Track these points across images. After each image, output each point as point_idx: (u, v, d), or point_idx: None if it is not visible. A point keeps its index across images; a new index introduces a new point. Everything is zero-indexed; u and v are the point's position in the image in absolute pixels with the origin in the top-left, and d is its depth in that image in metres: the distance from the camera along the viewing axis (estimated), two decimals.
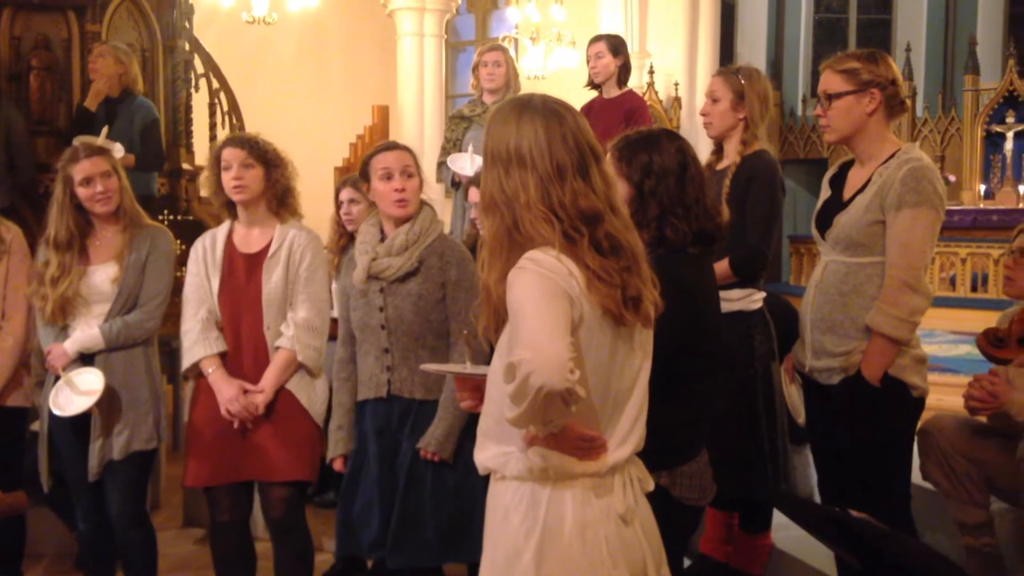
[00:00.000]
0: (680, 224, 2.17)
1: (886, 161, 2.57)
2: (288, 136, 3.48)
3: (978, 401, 2.65)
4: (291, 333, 2.95)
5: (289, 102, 10.42)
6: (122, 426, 3.07)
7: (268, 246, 3.02)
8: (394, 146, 2.91)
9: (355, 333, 2.87)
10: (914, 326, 2.52)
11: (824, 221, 2.67)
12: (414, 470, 2.69)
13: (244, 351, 3.00)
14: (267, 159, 3.00)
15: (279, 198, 3.04)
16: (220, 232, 3.09)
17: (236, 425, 2.93)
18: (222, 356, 2.99)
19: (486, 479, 2.50)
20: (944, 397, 2.79)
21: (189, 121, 6.00)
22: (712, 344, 2.29)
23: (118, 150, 4.24)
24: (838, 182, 2.72)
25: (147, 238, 3.16)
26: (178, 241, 4.49)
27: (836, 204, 2.66)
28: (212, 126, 6.36)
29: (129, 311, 3.11)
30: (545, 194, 1.70)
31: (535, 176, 1.71)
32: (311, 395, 3.02)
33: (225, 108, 6.41)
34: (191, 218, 5.58)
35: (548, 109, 1.76)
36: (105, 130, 4.31)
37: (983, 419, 2.77)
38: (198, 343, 2.98)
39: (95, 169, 3.08)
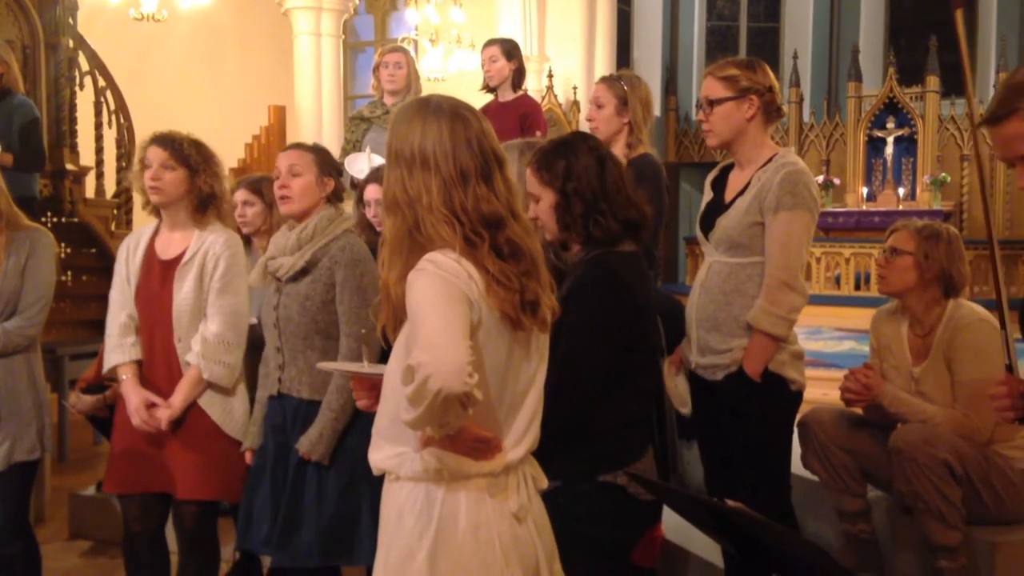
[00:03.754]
0: (604, 220, 2.22)
1: (764, 165, 2.68)
2: None
3: (853, 393, 2.79)
4: (199, 349, 2.84)
5: (181, 101, 10.12)
6: (3, 436, 2.94)
7: (184, 252, 2.90)
8: (289, 147, 2.88)
9: None
10: (792, 323, 2.63)
11: (707, 223, 2.76)
12: (300, 470, 2.67)
13: (157, 361, 2.90)
14: (190, 162, 2.88)
15: (201, 203, 2.91)
16: (145, 233, 2.99)
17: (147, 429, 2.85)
18: (140, 363, 2.90)
19: (376, 481, 2.52)
20: (829, 392, 2.94)
21: (73, 120, 5.80)
22: (655, 341, 2.36)
23: None
24: (719, 184, 2.82)
25: (26, 241, 2.99)
26: (62, 244, 4.34)
27: (718, 206, 2.76)
28: (98, 125, 6.16)
29: (8, 317, 2.98)
30: (447, 197, 1.70)
31: (438, 179, 1.71)
32: (225, 411, 2.91)
33: (112, 107, 6.22)
34: (76, 220, 5.39)
35: (454, 112, 1.76)
36: None
37: (858, 411, 2.91)
38: (114, 349, 2.90)
39: None
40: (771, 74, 2.72)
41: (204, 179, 2.91)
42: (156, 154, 2.87)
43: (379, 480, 2.48)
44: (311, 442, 2.63)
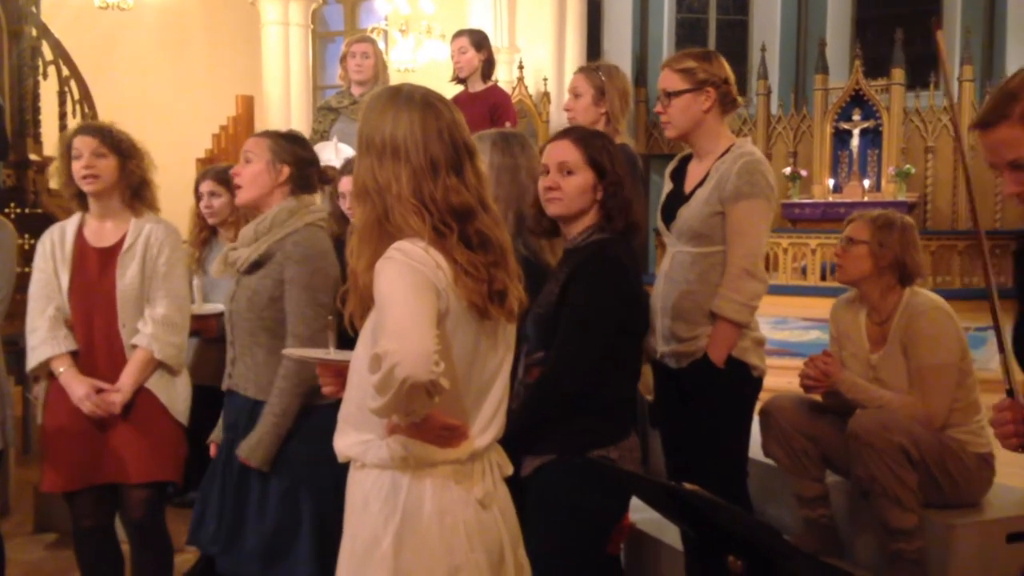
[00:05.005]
0: (622, 215, 2.31)
1: (722, 155, 2.72)
2: (146, 126, 3.38)
3: (812, 380, 2.85)
4: (149, 330, 2.85)
5: (147, 91, 10.03)
6: None
7: (122, 240, 2.90)
8: (253, 135, 2.86)
9: None
10: (754, 310, 2.68)
11: (668, 213, 2.81)
12: (244, 474, 2.56)
13: (97, 349, 2.88)
14: (121, 149, 2.88)
15: (134, 190, 2.91)
16: (69, 225, 2.95)
17: (93, 417, 2.82)
18: (73, 355, 2.86)
19: (317, 488, 2.51)
20: (794, 380, 3.01)
21: (37, 110, 5.73)
22: (644, 325, 2.44)
23: None
24: (679, 175, 2.86)
25: None
26: (26, 235, 4.30)
27: (678, 197, 2.80)
28: (62, 115, 6.08)
29: None
30: (417, 187, 1.71)
31: (408, 169, 1.71)
32: (171, 393, 2.93)
33: (76, 97, 6.14)
34: (40, 211, 5.33)
35: (426, 102, 1.76)
36: None
37: (817, 397, 2.97)
38: (46, 342, 2.84)
39: None
40: (726, 65, 2.77)
41: (135, 165, 2.91)
42: (86, 143, 2.85)
43: (322, 489, 2.51)
44: (250, 448, 2.51)
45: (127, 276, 2.87)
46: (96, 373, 2.87)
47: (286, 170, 2.63)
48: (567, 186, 2.29)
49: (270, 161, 2.63)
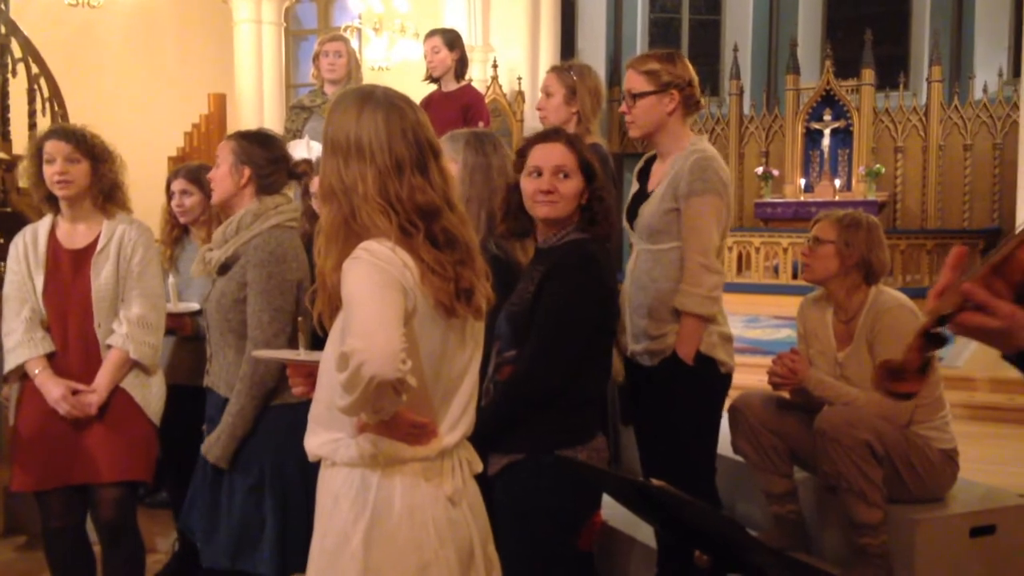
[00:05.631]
0: (605, 219, 2.33)
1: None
2: (118, 124, 3.37)
3: (779, 377, 2.89)
4: (124, 331, 2.86)
5: (118, 89, 9.95)
6: None
7: (95, 241, 2.91)
8: (226, 136, 2.87)
9: None
10: (715, 301, 2.72)
11: (633, 213, 2.85)
12: (217, 469, 2.62)
13: (72, 350, 2.89)
14: (94, 153, 2.89)
15: (106, 193, 2.93)
16: (41, 227, 2.95)
17: (68, 417, 2.82)
18: (49, 357, 2.86)
19: (282, 487, 2.56)
20: (765, 378, 3.05)
21: (6, 108, 5.67)
22: (616, 326, 2.46)
23: None
24: (644, 175, 2.90)
25: None
26: None
27: (642, 196, 2.84)
28: (31, 114, 6.02)
29: None
30: (383, 187, 1.72)
31: (374, 169, 1.72)
32: (146, 393, 2.94)
33: (46, 95, 6.08)
34: (8, 210, 5.28)
35: (390, 103, 1.77)
36: None
37: (785, 395, 3.01)
38: (22, 344, 2.84)
39: None
40: (690, 67, 2.81)
41: (107, 168, 2.93)
42: (59, 148, 2.85)
43: (286, 486, 2.57)
44: (209, 444, 2.59)
45: (101, 277, 2.88)
46: (71, 374, 2.87)
47: (247, 172, 2.66)
48: (564, 190, 2.30)
49: (233, 164, 2.66)
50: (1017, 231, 1.36)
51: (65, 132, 2.91)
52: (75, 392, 2.84)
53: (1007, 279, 1.30)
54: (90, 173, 2.89)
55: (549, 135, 2.38)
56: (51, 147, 2.85)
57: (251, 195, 2.67)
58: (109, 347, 2.88)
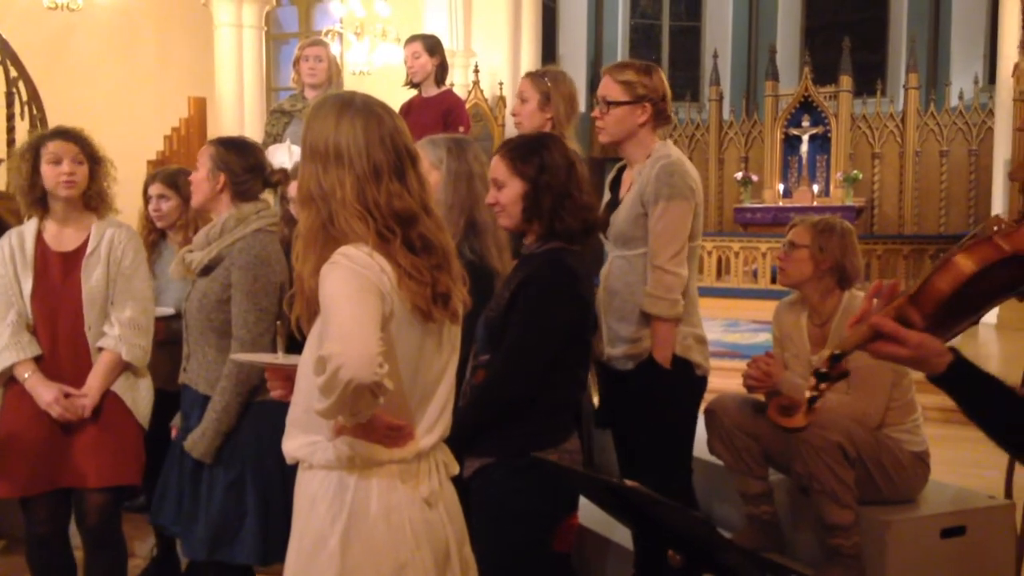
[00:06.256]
0: (568, 217, 2.33)
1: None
2: (97, 128, 3.35)
3: (754, 380, 2.93)
4: (116, 333, 2.88)
5: (97, 92, 9.88)
6: None
7: (84, 244, 2.92)
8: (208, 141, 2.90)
9: None
10: (677, 302, 2.75)
11: (607, 221, 2.89)
12: (196, 464, 2.68)
13: (61, 353, 2.89)
14: (95, 156, 2.94)
15: (98, 195, 2.96)
16: (28, 230, 2.95)
17: (58, 421, 2.83)
18: (36, 360, 2.86)
19: (264, 481, 2.60)
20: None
21: None
22: (591, 334, 2.48)
23: None
24: (616, 185, 2.95)
25: None
26: None
27: (615, 205, 2.89)
28: (10, 116, 6.00)
29: None
30: (361, 193, 1.74)
31: (352, 175, 1.74)
32: (136, 396, 2.96)
33: (24, 98, 6.06)
34: None
35: (368, 109, 1.79)
36: None
37: (760, 397, 3.05)
38: (9, 348, 2.84)
39: None
40: (665, 81, 2.87)
41: (103, 171, 2.97)
42: (66, 149, 2.87)
43: (267, 480, 2.61)
44: (193, 440, 2.65)
45: (92, 279, 2.90)
46: (61, 376, 2.88)
47: (222, 178, 2.72)
48: (503, 199, 2.36)
49: (211, 169, 2.72)
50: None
51: (70, 134, 2.93)
52: (67, 395, 2.84)
53: (921, 309, 1.41)
54: (88, 176, 2.92)
55: (499, 147, 2.43)
56: (57, 148, 2.87)
57: (227, 200, 2.73)
58: (100, 349, 2.89)
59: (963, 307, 1.47)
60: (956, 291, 1.43)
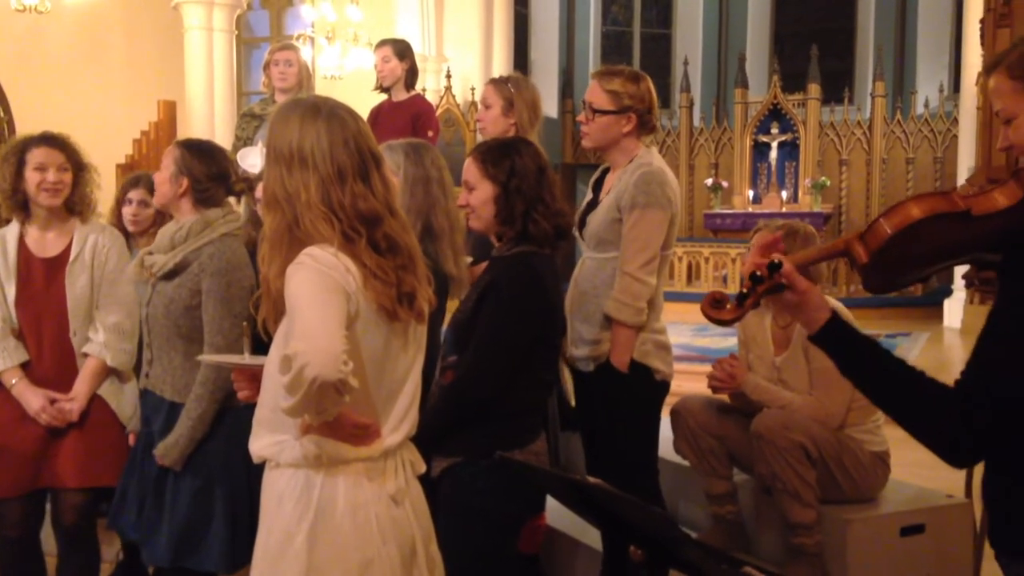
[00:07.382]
0: (541, 220, 2.36)
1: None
2: (66, 130, 3.33)
3: (718, 381, 2.98)
4: (101, 338, 2.89)
5: (66, 95, 9.77)
6: None
7: (67, 249, 2.92)
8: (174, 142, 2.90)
9: None
10: (641, 311, 2.78)
11: (583, 221, 2.93)
12: (161, 470, 2.66)
13: (47, 359, 2.90)
14: (80, 164, 2.94)
15: (81, 200, 2.95)
16: (10, 235, 2.94)
17: (45, 425, 2.83)
18: (23, 365, 2.87)
19: (231, 488, 2.61)
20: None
21: None
22: (559, 338, 2.52)
23: None
24: (599, 186, 2.99)
25: None
26: None
27: (594, 206, 2.93)
28: None
29: None
30: (325, 195, 1.76)
31: (316, 177, 1.76)
32: (120, 400, 2.97)
33: None
34: None
35: (331, 113, 1.81)
36: None
37: (725, 398, 3.10)
38: None
39: None
40: (652, 90, 2.90)
41: (87, 177, 2.96)
42: (52, 157, 2.87)
43: (234, 485, 2.61)
44: (166, 448, 2.62)
45: (78, 285, 2.90)
46: (46, 382, 2.89)
47: (185, 182, 2.70)
48: (473, 201, 2.40)
49: (174, 173, 2.70)
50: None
51: (56, 141, 2.93)
52: (53, 401, 2.85)
53: (867, 246, 1.50)
54: (73, 183, 2.92)
55: (471, 150, 2.46)
56: (43, 155, 2.86)
57: (189, 205, 2.71)
58: (85, 355, 2.90)
59: (910, 256, 1.53)
60: (901, 233, 1.48)
